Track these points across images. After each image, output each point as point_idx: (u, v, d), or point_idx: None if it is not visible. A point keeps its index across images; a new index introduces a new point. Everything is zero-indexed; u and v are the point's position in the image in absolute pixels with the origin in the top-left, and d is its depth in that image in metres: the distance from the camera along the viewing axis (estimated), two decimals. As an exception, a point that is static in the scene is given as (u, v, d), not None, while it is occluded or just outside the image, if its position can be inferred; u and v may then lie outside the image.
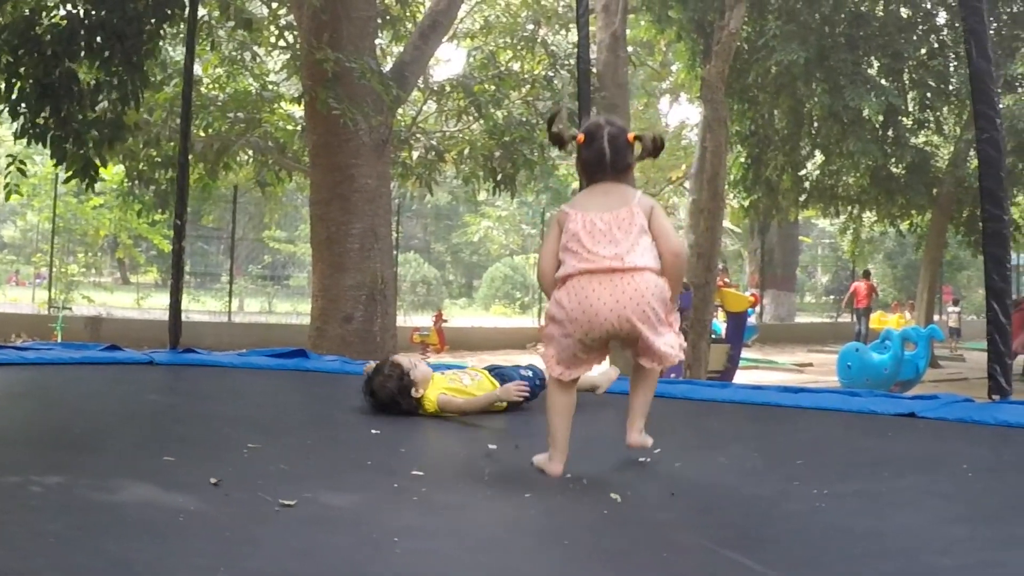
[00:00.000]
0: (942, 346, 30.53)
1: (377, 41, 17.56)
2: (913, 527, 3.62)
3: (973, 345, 30.32)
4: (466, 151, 18.78)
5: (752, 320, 29.30)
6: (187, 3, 11.03)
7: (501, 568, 3.02)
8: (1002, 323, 6.67)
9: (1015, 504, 4.07)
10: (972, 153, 14.14)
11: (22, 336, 21.00)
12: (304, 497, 3.74)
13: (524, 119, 18.54)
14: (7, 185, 13.60)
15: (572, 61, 14.74)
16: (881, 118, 21.46)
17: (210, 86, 18.70)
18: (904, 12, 23.10)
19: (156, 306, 29.21)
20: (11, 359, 8.23)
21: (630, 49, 25.99)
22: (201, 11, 14.87)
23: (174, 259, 10.45)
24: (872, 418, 6.34)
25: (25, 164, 13.02)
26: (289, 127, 18.38)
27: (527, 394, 5.92)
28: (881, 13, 22.52)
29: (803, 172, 24.76)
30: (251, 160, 19.82)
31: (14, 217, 45.01)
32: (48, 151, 11.84)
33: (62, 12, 11.54)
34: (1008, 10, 23.09)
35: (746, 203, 25.05)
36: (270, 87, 18.82)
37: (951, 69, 22.12)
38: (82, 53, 11.44)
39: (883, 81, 21.85)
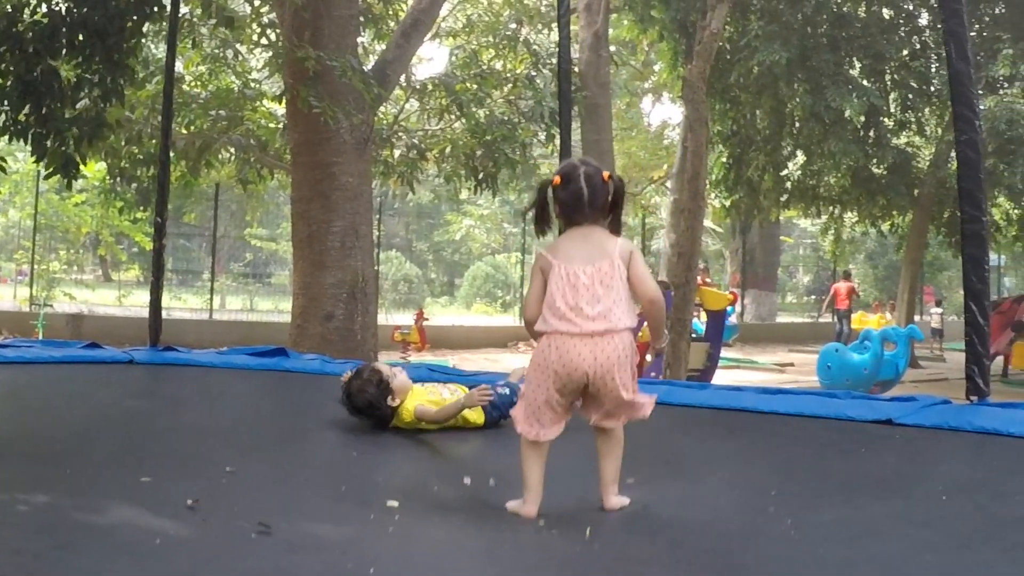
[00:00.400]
0: (925, 346, 30.66)
1: (359, 40, 17.56)
2: (885, 556, 3.63)
3: (954, 346, 30.39)
4: (448, 150, 18.78)
5: (733, 319, 29.39)
6: (169, 1, 11.03)
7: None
8: (980, 324, 6.69)
9: (987, 527, 4.07)
10: (953, 154, 14.40)
11: (3, 333, 20.98)
12: (280, 525, 3.74)
13: (506, 118, 18.55)
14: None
15: (554, 60, 14.78)
16: (863, 119, 21.48)
17: (192, 84, 18.69)
18: (886, 13, 23.17)
19: (138, 303, 29.14)
20: (-9, 357, 8.22)
21: (612, 48, 26.09)
22: (183, 8, 14.86)
23: (154, 257, 10.45)
24: (848, 428, 6.34)
25: (6, 161, 12.97)
26: (271, 125, 18.37)
27: (491, 398, 5.89)
28: (863, 14, 22.57)
29: (784, 172, 24.75)
30: (233, 158, 19.80)
31: (-5, 214, 45.05)
32: (29, 148, 11.82)
33: (44, 9, 11.52)
34: (990, 12, 23.17)
35: (727, 203, 25.09)
36: (252, 85, 18.81)
37: (933, 70, 22.16)
38: (64, 50, 11.42)
39: (865, 82, 21.91)
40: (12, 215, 34.42)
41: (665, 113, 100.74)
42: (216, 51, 18.28)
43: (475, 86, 18.25)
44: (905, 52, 22.84)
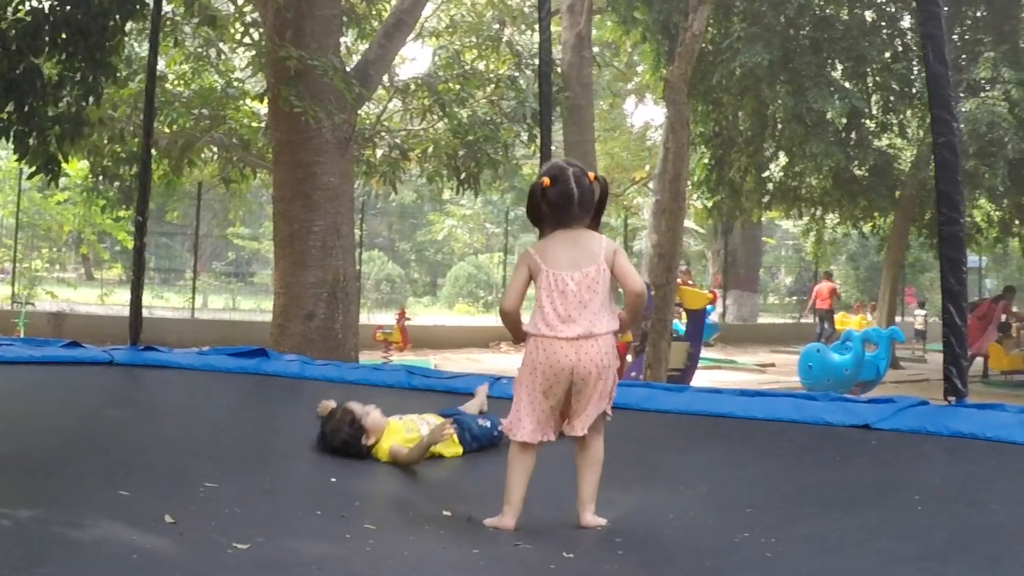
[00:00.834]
0: (908, 348, 30.75)
1: (343, 40, 17.54)
2: (860, 571, 3.67)
3: (935, 347, 30.50)
4: (430, 150, 18.77)
5: (713, 318, 29.42)
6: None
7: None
8: (958, 325, 6.73)
9: (961, 538, 4.11)
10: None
11: (-17, 331, 20.93)
12: (257, 541, 3.75)
13: (488, 118, 18.55)
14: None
15: (537, 61, 14.82)
16: (844, 120, 21.58)
17: (175, 83, 18.66)
18: (868, 16, 23.24)
19: (120, 302, 29.06)
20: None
21: (596, 50, 26.09)
22: (166, 7, 14.85)
23: (135, 256, 10.46)
24: (826, 434, 6.37)
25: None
26: (253, 124, 18.35)
27: (450, 433, 5.90)
28: (846, 16, 22.64)
29: (766, 173, 24.82)
30: (216, 157, 19.78)
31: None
32: (11, 146, 11.79)
33: (27, 7, 11.50)
34: (971, 15, 23.25)
35: (709, 204, 25.14)
36: (235, 84, 18.79)
37: (914, 73, 22.22)
38: (46, 48, 11.40)
39: (847, 84, 21.99)
40: (-6, 213, 34.37)
41: (648, 114, 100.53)
42: (199, 50, 18.26)
43: (458, 86, 18.24)
44: (887, 54, 22.91)
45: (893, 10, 23.48)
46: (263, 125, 17.66)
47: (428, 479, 5.75)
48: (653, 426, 6.66)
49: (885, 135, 24.57)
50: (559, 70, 18.40)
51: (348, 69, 15.06)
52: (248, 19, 17.49)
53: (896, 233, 26.65)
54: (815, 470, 5.65)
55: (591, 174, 4.77)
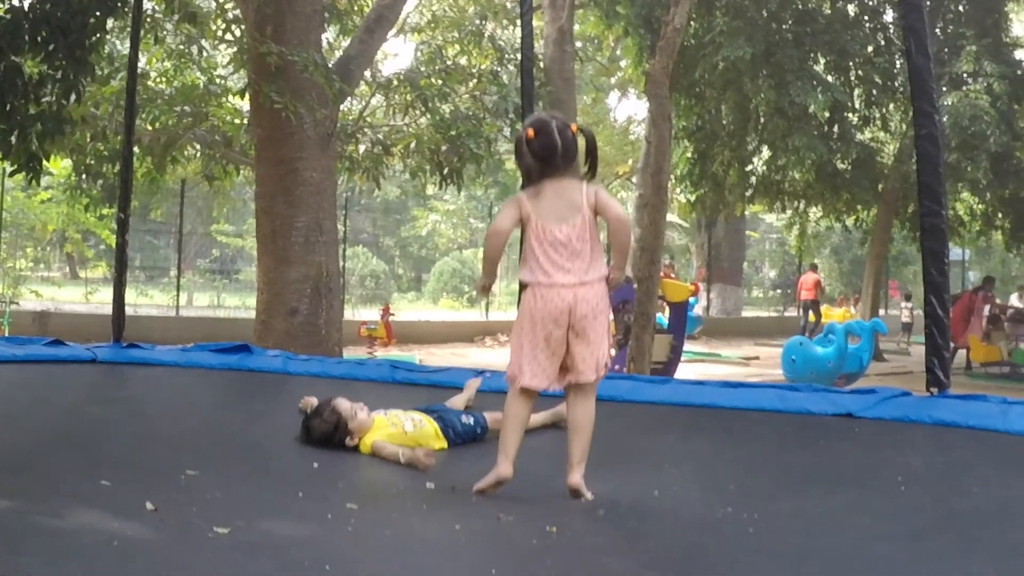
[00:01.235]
0: (894, 340, 30.82)
1: (325, 36, 17.51)
2: (840, 548, 3.67)
3: (920, 339, 30.52)
4: (412, 145, 18.75)
5: (697, 311, 29.46)
6: (132, -4, 11.00)
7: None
8: (940, 317, 6.75)
9: (942, 519, 4.13)
10: (916, 149, 14.40)
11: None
12: (237, 525, 3.75)
13: (471, 113, 18.53)
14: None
15: (519, 56, 14.81)
16: (827, 114, 21.60)
17: (157, 80, 18.61)
18: (851, 9, 23.29)
19: (104, 300, 28.80)
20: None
21: (578, 44, 26.09)
22: (146, 4, 14.81)
23: (117, 253, 10.43)
24: (808, 421, 6.39)
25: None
26: (236, 121, 18.30)
27: (432, 464, 5.89)
28: (828, 10, 22.68)
29: (749, 167, 24.88)
30: (198, 154, 19.73)
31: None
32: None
33: (6, 5, 11.45)
34: (954, 9, 23.31)
35: (693, 198, 25.13)
36: (217, 81, 18.74)
37: (897, 66, 22.26)
38: (26, 47, 11.35)
39: (829, 78, 22.01)
40: (-23, 213, 34.25)
41: (631, 109, 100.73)
42: (181, 47, 18.22)
43: (440, 81, 18.23)
44: (869, 48, 22.99)
45: (875, 3, 23.56)
46: (245, 122, 17.61)
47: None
48: (637, 416, 6.67)
49: (868, 129, 24.65)
50: (541, 65, 18.41)
51: (330, 65, 15.03)
52: (230, 15, 17.44)
53: (879, 226, 26.74)
54: (798, 453, 5.69)
55: (573, 126, 4.93)
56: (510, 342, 5.05)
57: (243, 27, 15.87)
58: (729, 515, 4.16)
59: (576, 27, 24.98)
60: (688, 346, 22.07)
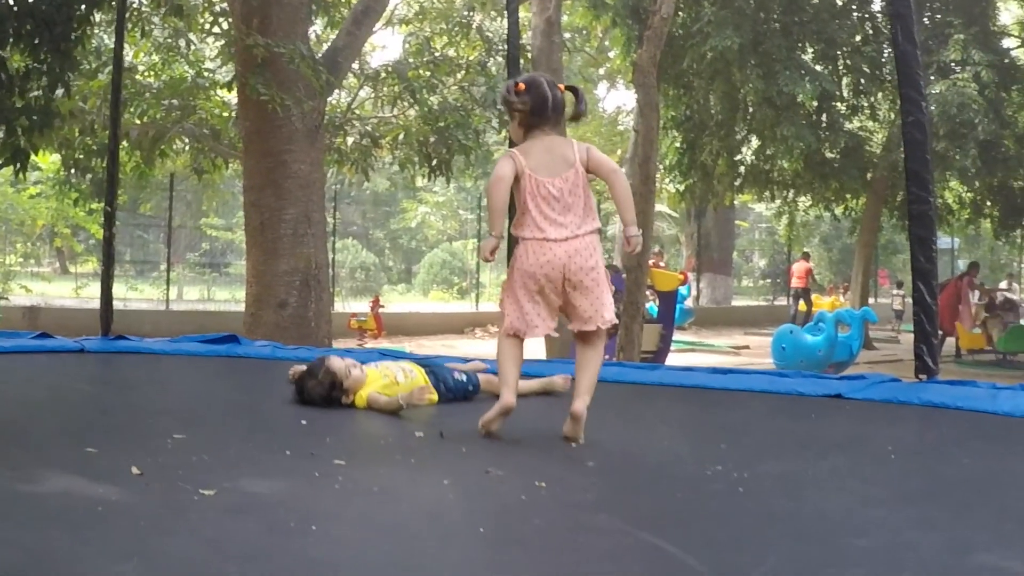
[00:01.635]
0: (886, 328, 30.87)
1: (312, 28, 17.49)
2: (831, 509, 3.67)
3: (910, 327, 30.55)
4: (401, 137, 18.74)
5: (688, 303, 29.46)
6: (117, -12, 10.96)
7: (412, 553, 3.04)
8: (928, 304, 6.76)
9: (933, 486, 4.13)
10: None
11: (-43, 326, 20.83)
12: (224, 486, 3.73)
13: (459, 104, 18.53)
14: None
15: (507, 46, 14.78)
16: (815, 103, 21.60)
17: (145, 74, 18.58)
18: (838, -1, 23.30)
19: (95, 295, 28.76)
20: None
21: (566, 36, 26.05)
22: (132, -3, 14.79)
23: (104, 246, 10.39)
24: (799, 400, 6.41)
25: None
26: (224, 114, 18.28)
27: (429, 401, 5.90)
28: (815, 0, 22.65)
29: (738, 157, 24.86)
30: (187, 148, 19.71)
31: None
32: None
33: (-11, -2, 11.43)
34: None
35: (682, 188, 25.12)
36: (205, 74, 18.72)
37: (885, 55, 22.27)
38: (11, 40, 11.31)
39: (817, 67, 22.02)
40: (-35, 209, 34.18)
41: (620, 99, 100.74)
42: (168, 40, 18.19)
43: (428, 73, 18.22)
44: (857, 37, 23.01)
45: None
46: (233, 115, 17.59)
47: (401, 416, 5.76)
48: (625, 394, 6.67)
49: (856, 118, 24.65)
50: (529, 55, 18.35)
51: (317, 57, 15.00)
52: (216, 8, 17.42)
53: (868, 215, 26.76)
54: (787, 423, 5.72)
55: (561, 85, 5.16)
56: (502, 295, 5.17)
57: (230, 20, 15.85)
58: (719, 474, 4.19)
59: (564, 18, 24.91)
60: (678, 335, 22.11)
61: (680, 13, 20.29)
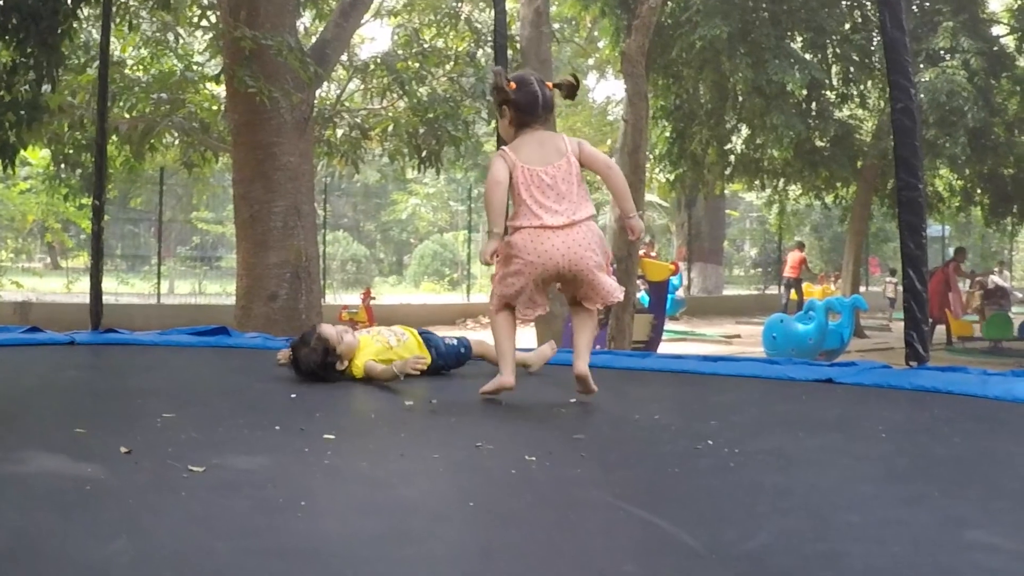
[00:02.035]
0: (877, 317, 30.93)
1: (302, 20, 17.49)
2: (822, 485, 3.67)
3: (902, 315, 30.53)
4: (390, 128, 18.74)
5: (680, 293, 29.49)
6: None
7: (401, 528, 3.03)
8: (918, 290, 6.75)
9: (924, 464, 4.13)
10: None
11: (-52, 322, 20.80)
12: (213, 463, 3.72)
13: (448, 96, 18.53)
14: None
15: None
16: (804, 92, 21.64)
17: (134, 67, 18.57)
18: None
19: (86, 290, 28.73)
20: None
21: (555, 26, 26.04)
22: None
23: (93, 240, 10.37)
24: (790, 386, 6.41)
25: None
26: (213, 108, 18.27)
27: (423, 367, 5.90)
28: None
29: (728, 146, 24.90)
30: (177, 141, 19.70)
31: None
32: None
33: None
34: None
35: (672, 177, 25.17)
36: (194, 67, 18.70)
37: (874, 43, 22.31)
38: (-2, 34, 11.29)
39: (806, 55, 22.03)
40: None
41: (609, 89, 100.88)
42: (156, 34, 18.17)
43: (417, 64, 18.23)
44: (846, 26, 23.03)
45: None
46: (223, 108, 17.59)
47: (392, 390, 5.78)
48: (617, 377, 6.67)
49: (845, 106, 24.70)
50: (518, 46, 18.35)
51: (305, 49, 14.99)
52: (204, 1, 17.40)
53: (858, 203, 26.82)
54: (778, 404, 5.72)
55: (549, 83, 5.22)
56: (495, 278, 5.20)
57: (218, 13, 15.84)
58: (709, 452, 4.17)
59: (553, 8, 24.95)
60: (669, 325, 22.13)
61: (668, 2, 20.34)
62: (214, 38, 16.92)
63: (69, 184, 23.10)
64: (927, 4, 23.45)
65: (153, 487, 3.47)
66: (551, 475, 3.82)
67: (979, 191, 26.28)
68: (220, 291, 31.11)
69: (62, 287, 31.01)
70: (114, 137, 17.27)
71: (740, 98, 23.03)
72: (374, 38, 63.64)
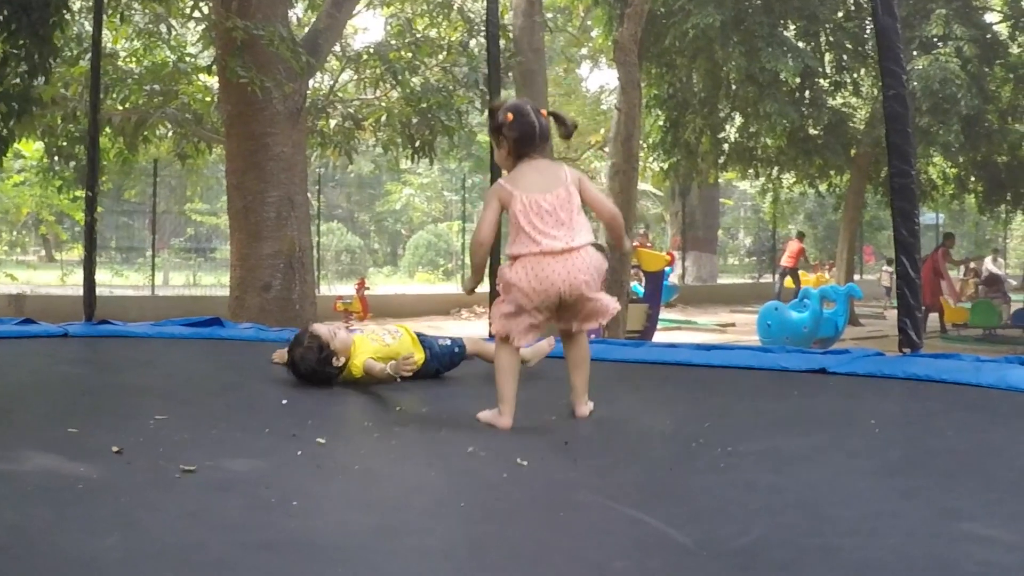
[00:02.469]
0: (872, 304, 30.95)
1: (294, 11, 17.46)
2: (815, 481, 3.67)
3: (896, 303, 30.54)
4: (383, 118, 18.73)
5: (673, 279, 29.49)
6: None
7: (393, 526, 3.04)
8: (912, 277, 6.75)
9: (917, 457, 4.13)
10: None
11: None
12: (205, 464, 3.73)
13: (441, 85, 18.52)
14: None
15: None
16: (798, 80, 21.60)
17: (127, 59, 18.55)
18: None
19: (81, 282, 28.72)
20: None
21: (548, 15, 26.02)
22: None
23: (86, 231, 10.36)
24: (783, 375, 6.42)
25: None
26: (207, 99, 18.25)
27: (414, 368, 5.87)
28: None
29: (721, 134, 24.87)
30: (170, 133, 19.68)
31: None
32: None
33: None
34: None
35: (666, 166, 25.14)
36: (187, 59, 18.68)
37: (867, 32, 22.28)
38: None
39: (800, 43, 22.00)
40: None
41: (603, 79, 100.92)
42: (149, 26, 18.15)
43: (410, 54, 18.21)
44: (839, 13, 22.99)
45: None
46: (216, 99, 17.57)
47: (385, 395, 5.79)
48: (610, 372, 6.66)
49: (839, 94, 24.66)
50: (510, 35, 18.35)
51: (298, 40, 14.96)
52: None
53: (852, 191, 26.80)
54: (771, 401, 5.71)
55: (543, 111, 5.12)
56: (497, 306, 5.11)
57: (210, 4, 15.81)
58: (702, 452, 4.18)
59: (546, -3, 24.97)
60: (664, 314, 22.11)
61: (662, -9, 20.31)
62: (206, 29, 16.90)
63: (63, 176, 23.08)
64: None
65: (145, 486, 3.48)
66: (543, 477, 3.83)
67: (973, 179, 26.30)
68: (214, 282, 31.07)
69: (57, 279, 30.97)
70: (107, 129, 17.26)
71: (733, 87, 22.98)
72: (367, 28, 63.58)
